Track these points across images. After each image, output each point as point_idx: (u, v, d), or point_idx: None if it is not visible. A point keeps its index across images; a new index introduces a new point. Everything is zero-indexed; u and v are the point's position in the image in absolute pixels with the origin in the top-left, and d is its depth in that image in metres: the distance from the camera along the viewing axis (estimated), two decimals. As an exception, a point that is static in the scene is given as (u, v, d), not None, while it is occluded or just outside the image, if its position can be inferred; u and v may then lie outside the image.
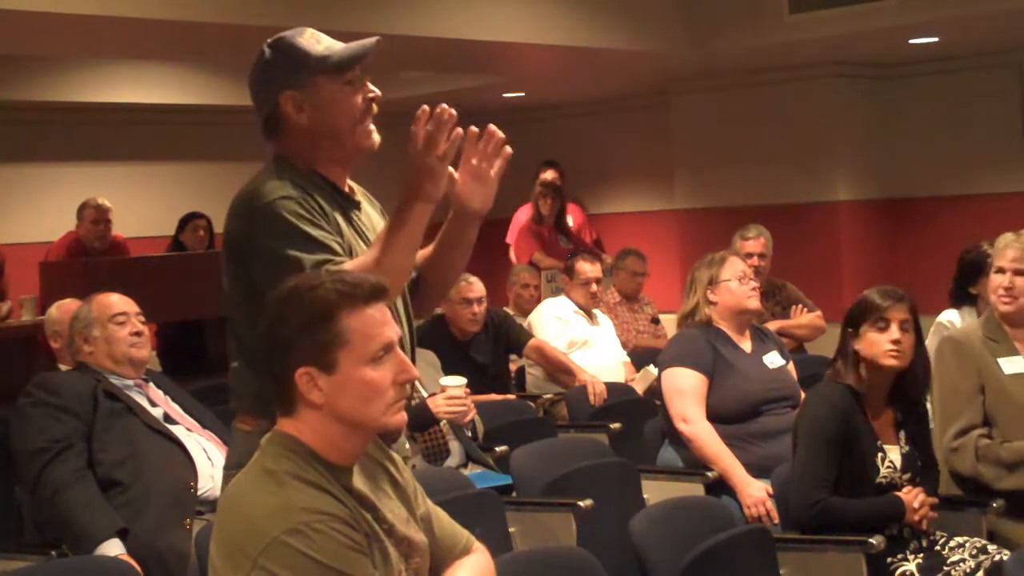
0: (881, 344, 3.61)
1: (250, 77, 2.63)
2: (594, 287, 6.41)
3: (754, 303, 4.44)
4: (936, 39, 7.66)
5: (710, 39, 7.68)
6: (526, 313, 6.77)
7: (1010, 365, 4.01)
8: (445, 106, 2.43)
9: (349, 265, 2.41)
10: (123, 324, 4.07)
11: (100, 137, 9.26)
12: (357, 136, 2.61)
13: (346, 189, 2.67)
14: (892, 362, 3.61)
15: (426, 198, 2.46)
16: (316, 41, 2.60)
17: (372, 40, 2.59)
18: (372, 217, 2.72)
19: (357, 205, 2.68)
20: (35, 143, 9.01)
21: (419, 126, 2.42)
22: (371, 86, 2.63)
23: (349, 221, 2.62)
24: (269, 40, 2.62)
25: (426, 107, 2.43)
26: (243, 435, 2.49)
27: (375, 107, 2.64)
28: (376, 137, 2.65)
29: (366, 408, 2.16)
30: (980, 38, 7.84)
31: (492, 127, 2.57)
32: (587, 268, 6.44)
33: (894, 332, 3.60)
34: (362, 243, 2.60)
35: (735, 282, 4.42)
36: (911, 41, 7.74)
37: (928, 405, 3.94)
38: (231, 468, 2.42)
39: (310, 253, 2.43)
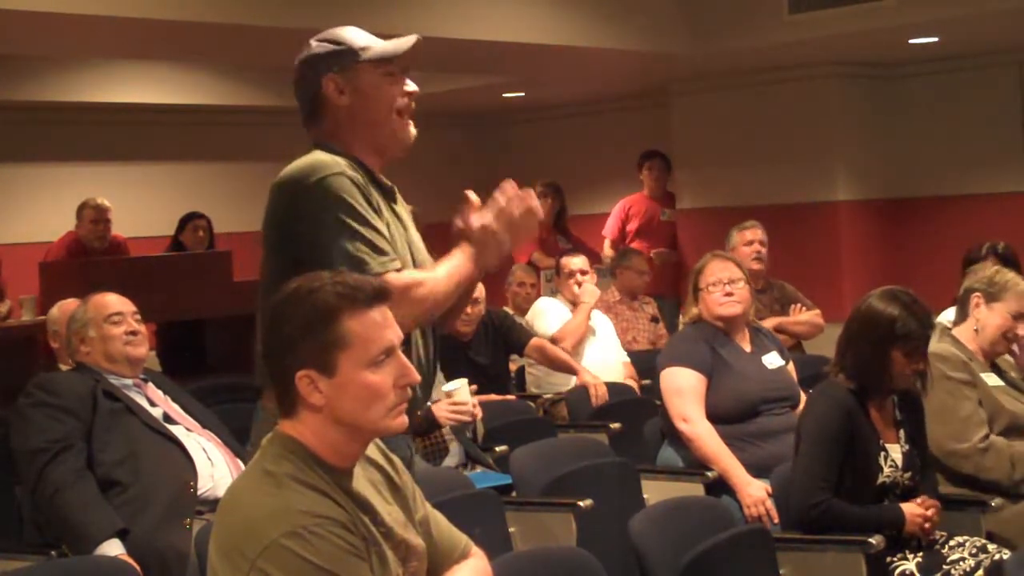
0: (905, 368, 3.64)
1: (296, 67, 2.71)
2: (579, 277, 6.44)
3: (728, 310, 4.42)
4: (936, 39, 7.65)
5: (710, 39, 7.68)
6: (523, 312, 6.77)
7: (990, 379, 4.12)
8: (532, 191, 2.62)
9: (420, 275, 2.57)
10: (118, 323, 4.06)
11: (100, 137, 9.24)
12: (394, 126, 2.68)
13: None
14: (907, 385, 3.69)
15: (484, 268, 2.63)
16: (360, 35, 2.70)
17: (411, 38, 2.68)
18: (406, 215, 2.76)
19: (394, 197, 2.73)
20: (35, 143, 8.99)
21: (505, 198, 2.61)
22: (409, 82, 2.71)
23: (391, 208, 2.67)
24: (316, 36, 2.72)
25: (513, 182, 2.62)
26: (269, 413, 2.44)
27: (413, 104, 2.71)
28: (412, 131, 2.72)
29: (366, 412, 2.15)
30: (980, 38, 7.83)
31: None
32: (572, 261, 6.53)
33: (921, 363, 3.65)
34: (405, 232, 2.66)
35: (706, 291, 4.45)
36: (911, 41, 7.73)
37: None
38: (255, 446, 2.39)
39: (376, 253, 2.50)
